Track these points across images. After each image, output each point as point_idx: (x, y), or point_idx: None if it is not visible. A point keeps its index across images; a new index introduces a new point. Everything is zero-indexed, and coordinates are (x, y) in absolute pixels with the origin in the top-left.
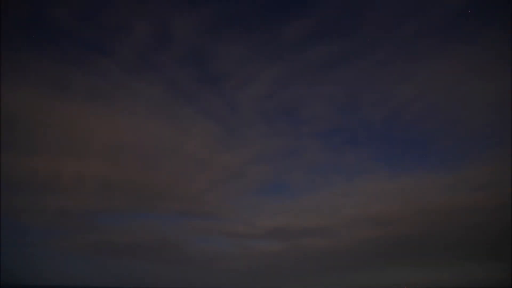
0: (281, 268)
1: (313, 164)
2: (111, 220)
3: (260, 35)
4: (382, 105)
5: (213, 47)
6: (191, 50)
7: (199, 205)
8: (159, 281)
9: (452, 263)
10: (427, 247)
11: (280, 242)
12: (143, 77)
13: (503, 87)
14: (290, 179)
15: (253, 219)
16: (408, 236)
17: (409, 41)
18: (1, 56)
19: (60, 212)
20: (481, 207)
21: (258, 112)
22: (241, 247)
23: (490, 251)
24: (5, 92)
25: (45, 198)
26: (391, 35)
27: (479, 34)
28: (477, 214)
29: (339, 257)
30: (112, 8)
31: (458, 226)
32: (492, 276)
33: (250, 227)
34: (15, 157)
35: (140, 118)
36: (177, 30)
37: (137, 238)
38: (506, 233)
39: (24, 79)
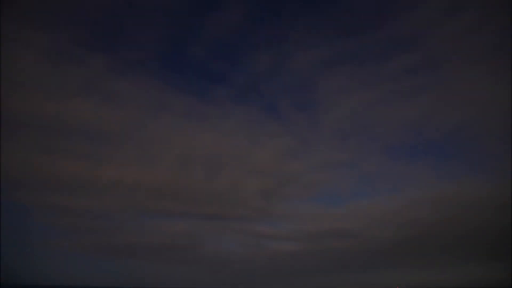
0: (295, 268)
1: (368, 174)
2: (142, 222)
3: (365, 68)
4: (444, 124)
5: (319, 80)
6: (299, 81)
7: (242, 209)
8: (182, 281)
9: (452, 263)
10: (427, 247)
11: (304, 244)
12: (245, 102)
13: None
14: (341, 187)
15: (287, 224)
16: (410, 238)
17: (490, 74)
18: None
19: (102, 213)
20: (482, 207)
21: (335, 130)
22: (267, 249)
23: (490, 251)
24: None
25: (82, 200)
26: (474, 68)
27: None
28: (477, 214)
29: (350, 258)
30: (239, 42)
31: (458, 227)
32: (492, 276)
33: (280, 231)
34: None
35: (225, 135)
36: (293, 63)
37: (166, 240)
38: (506, 233)
39: (127, 101)
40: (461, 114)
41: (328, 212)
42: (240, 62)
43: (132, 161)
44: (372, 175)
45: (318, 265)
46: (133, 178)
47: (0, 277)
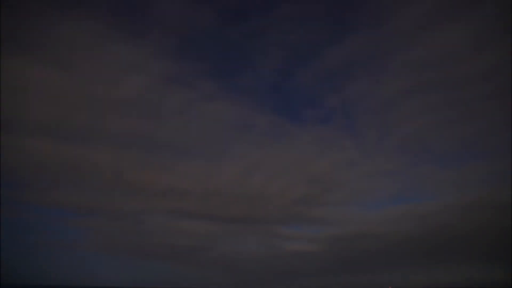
0: (309, 268)
1: (415, 182)
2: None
3: (436, 95)
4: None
5: (397, 104)
6: (381, 104)
7: (280, 214)
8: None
9: (452, 263)
10: (427, 248)
11: (325, 246)
12: (330, 122)
13: None
14: (387, 193)
15: (320, 227)
16: (414, 239)
17: None
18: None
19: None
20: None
21: (397, 145)
22: (287, 250)
23: (490, 251)
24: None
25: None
26: None
27: None
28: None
29: (364, 259)
30: (343, 72)
31: (458, 227)
32: (492, 276)
33: (309, 234)
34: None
35: (296, 149)
36: (383, 90)
37: (190, 242)
38: (506, 233)
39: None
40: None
41: (364, 217)
42: (337, 88)
43: (196, 171)
44: (418, 182)
45: (332, 265)
46: (186, 185)
47: (1, 276)
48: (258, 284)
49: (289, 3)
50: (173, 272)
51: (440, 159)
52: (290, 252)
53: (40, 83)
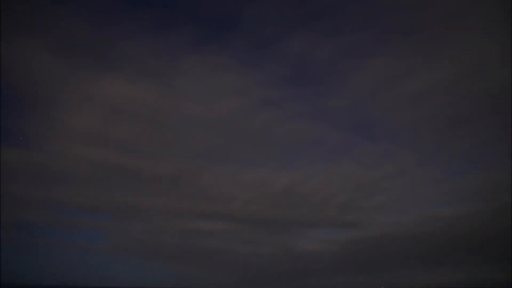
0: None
1: (451, 191)
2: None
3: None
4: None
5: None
6: (446, 126)
7: (315, 217)
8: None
9: (452, 263)
10: (427, 248)
11: (340, 248)
12: (392, 140)
13: None
14: (409, 203)
15: (344, 230)
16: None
17: None
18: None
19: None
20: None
21: (441, 164)
22: (301, 252)
23: (490, 251)
24: None
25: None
26: None
27: None
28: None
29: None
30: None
31: (457, 227)
32: (492, 276)
33: (332, 237)
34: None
35: (354, 162)
36: (445, 112)
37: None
38: (506, 234)
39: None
40: None
41: (393, 221)
42: (410, 107)
43: (252, 180)
44: (456, 190)
45: (339, 266)
46: (235, 192)
47: (1, 275)
48: (268, 283)
49: (390, 44)
50: (191, 273)
51: (480, 168)
52: (304, 253)
53: (135, 100)
